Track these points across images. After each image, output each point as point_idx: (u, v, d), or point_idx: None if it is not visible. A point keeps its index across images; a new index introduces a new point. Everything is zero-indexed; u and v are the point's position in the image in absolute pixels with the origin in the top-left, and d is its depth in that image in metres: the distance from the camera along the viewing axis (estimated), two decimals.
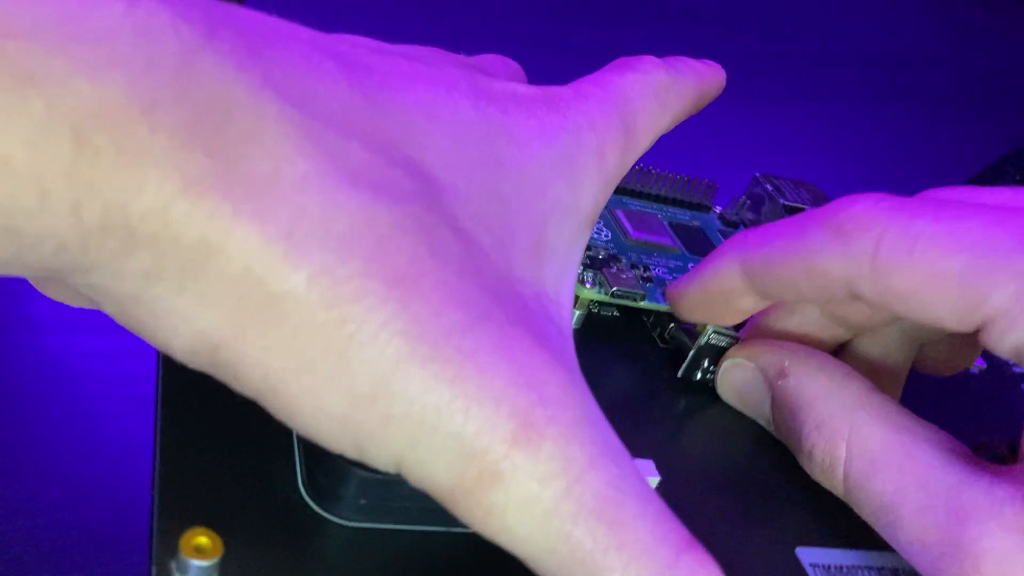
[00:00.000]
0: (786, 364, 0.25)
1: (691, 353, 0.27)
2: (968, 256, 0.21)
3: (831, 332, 0.27)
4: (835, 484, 0.24)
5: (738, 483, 0.25)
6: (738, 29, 0.74)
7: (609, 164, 0.22)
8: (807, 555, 0.24)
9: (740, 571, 0.22)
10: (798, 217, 0.25)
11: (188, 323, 0.16)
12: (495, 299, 0.18)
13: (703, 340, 0.27)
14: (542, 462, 0.17)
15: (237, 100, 0.15)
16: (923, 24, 0.91)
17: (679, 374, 0.28)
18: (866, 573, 0.24)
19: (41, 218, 0.14)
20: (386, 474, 0.18)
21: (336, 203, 0.16)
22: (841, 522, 0.25)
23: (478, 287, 0.17)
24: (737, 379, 0.27)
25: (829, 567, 0.23)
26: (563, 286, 0.21)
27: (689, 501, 0.22)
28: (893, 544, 0.22)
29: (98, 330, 0.25)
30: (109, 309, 0.16)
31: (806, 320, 0.27)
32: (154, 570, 0.17)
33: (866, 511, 0.23)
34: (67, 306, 0.24)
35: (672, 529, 0.18)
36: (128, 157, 0.14)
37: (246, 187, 0.15)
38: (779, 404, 0.25)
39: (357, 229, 0.16)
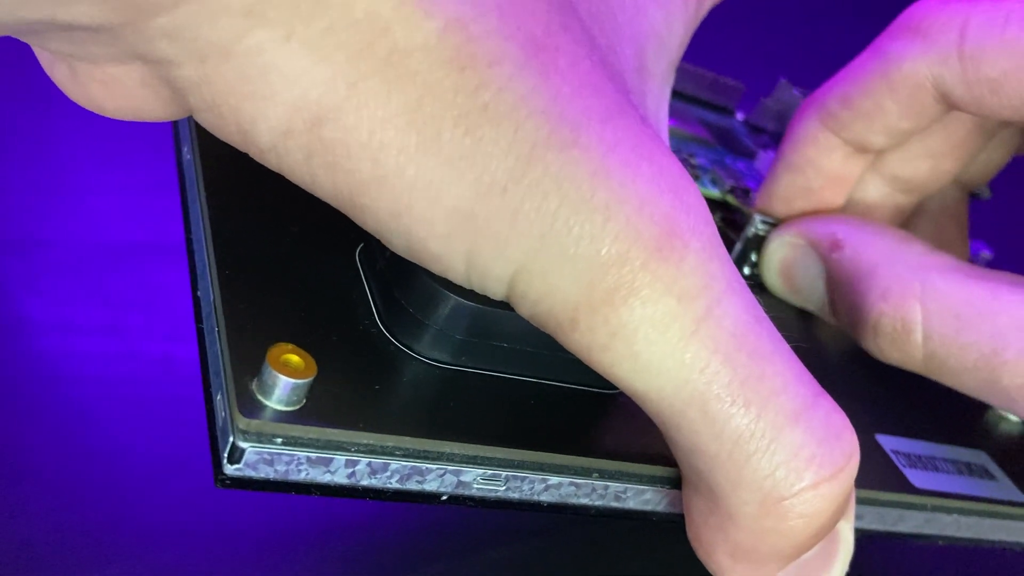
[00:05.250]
0: (839, 235, 0.23)
1: (737, 246, 0.25)
2: None
3: (892, 201, 0.25)
4: (911, 352, 0.22)
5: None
6: None
7: (690, 7, 0.20)
8: (887, 442, 0.22)
9: None
10: (869, 46, 0.23)
11: (290, 84, 0.13)
12: (624, 96, 0.15)
13: (750, 231, 0.25)
14: (685, 276, 0.14)
15: None
16: None
17: None
18: (944, 464, 0.22)
19: None
20: (483, 302, 0.16)
21: None
22: (911, 414, 0.23)
23: (609, 78, 0.15)
24: (785, 258, 0.24)
25: (910, 455, 0.22)
26: (660, 123, 0.18)
27: None
28: (993, 398, 0.21)
29: (93, 332, 0.23)
30: (187, 74, 0.13)
31: (867, 194, 0.25)
32: (220, 397, 0.14)
33: (956, 371, 0.21)
34: (62, 307, 0.22)
35: (804, 369, 0.16)
36: None
37: None
38: (835, 278, 0.23)
39: None
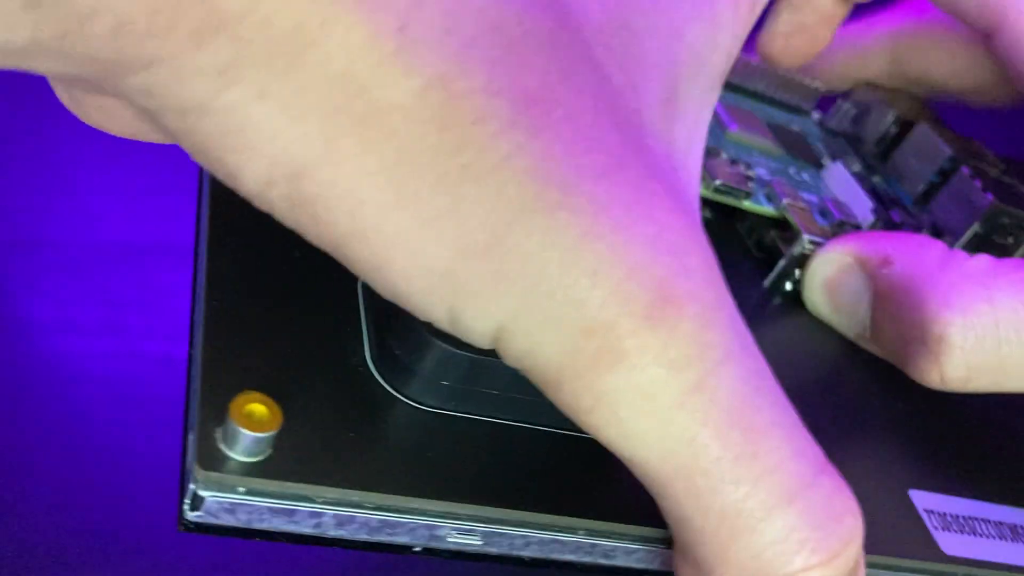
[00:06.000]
0: (888, 250, 0.23)
1: (782, 262, 0.24)
2: None
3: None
4: (984, 359, 0.21)
5: (834, 409, 0.22)
6: None
7: (742, 14, 0.19)
8: (921, 499, 0.21)
9: None
10: None
11: (267, 141, 0.12)
12: (631, 145, 0.14)
13: (796, 250, 0.24)
14: (676, 345, 0.14)
15: None
16: None
17: (766, 284, 0.25)
18: (985, 526, 0.21)
19: None
20: (473, 350, 0.15)
21: None
22: (953, 467, 0.22)
23: (613, 129, 0.14)
24: (830, 276, 0.24)
25: (945, 515, 0.21)
26: (692, 154, 0.17)
27: None
28: None
29: (93, 332, 0.24)
30: (170, 124, 0.13)
31: None
32: (191, 438, 0.14)
33: None
34: (63, 307, 0.22)
35: (809, 443, 0.15)
36: None
37: None
38: (885, 294, 0.23)
39: (481, 34, 0.13)
